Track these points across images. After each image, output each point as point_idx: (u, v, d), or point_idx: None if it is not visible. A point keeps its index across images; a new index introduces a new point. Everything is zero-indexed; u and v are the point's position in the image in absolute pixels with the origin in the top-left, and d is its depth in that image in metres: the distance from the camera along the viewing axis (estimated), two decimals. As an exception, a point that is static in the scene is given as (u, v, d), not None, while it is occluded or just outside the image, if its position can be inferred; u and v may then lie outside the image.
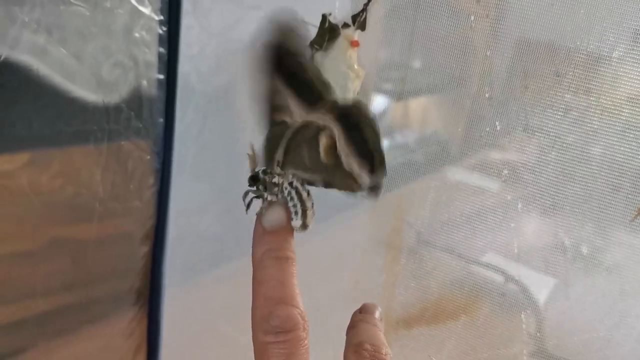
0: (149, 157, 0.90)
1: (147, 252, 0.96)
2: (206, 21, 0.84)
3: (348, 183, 0.46)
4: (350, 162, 0.45)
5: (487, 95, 0.65)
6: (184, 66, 0.88)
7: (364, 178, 0.46)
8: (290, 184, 0.47)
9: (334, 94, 0.45)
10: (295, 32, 0.45)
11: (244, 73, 0.84)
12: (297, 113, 0.45)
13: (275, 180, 0.47)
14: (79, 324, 0.91)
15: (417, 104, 0.72)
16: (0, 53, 0.66)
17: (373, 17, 0.67)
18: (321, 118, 0.44)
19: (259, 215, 0.48)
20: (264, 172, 0.47)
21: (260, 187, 0.48)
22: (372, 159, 0.46)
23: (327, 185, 0.47)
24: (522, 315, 0.71)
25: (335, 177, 0.47)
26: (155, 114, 0.89)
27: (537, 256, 0.68)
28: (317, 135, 0.45)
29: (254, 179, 0.47)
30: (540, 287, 0.71)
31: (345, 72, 0.63)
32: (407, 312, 0.73)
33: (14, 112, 0.70)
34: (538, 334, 0.71)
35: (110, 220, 0.88)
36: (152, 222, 0.95)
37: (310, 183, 0.48)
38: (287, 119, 0.45)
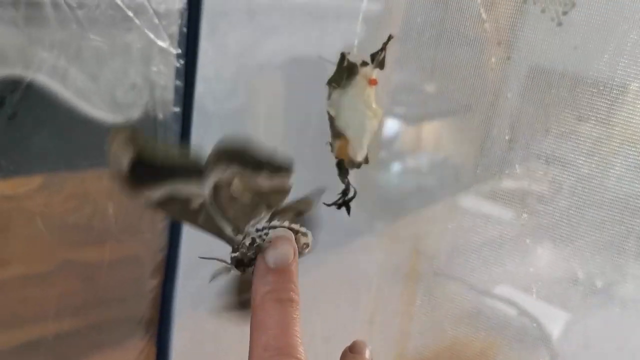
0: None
1: (156, 285, 0.96)
2: (223, 44, 0.84)
3: (277, 197, 0.46)
4: (260, 182, 0.45)
5: (507, 137, 0.65)
6: (198, 88, 0.89)
7: (280, 181, 0.46)
8: (260, 230, 0.47)
9: (192, 155, 0.45)
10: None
11: (259, 96, 0.85)
12: (196, 191, 0.44)
13: (248, 240, 0.46)
14: (87, 349, 0.91)
15: (430, 129, 0.72)
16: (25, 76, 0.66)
17: (391, 56, 0.67)
18: (213, 176, 0.44)
19: (263, 252, 0.46)
20: (235, 249, 0.46)
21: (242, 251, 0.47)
22: (268, 165, 0.46)
23: (272, 209, 0.47)
24: (536, 350, 0.71)
25: (269, 199, 0.46)
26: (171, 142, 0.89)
27: (550, 289, 0.68)
28: (226, 190, 0.45)
29: (237, 261, 0.46)
30: (554, 320, 0.70)
31: (363, 111, 0.62)
32: (421, 356, 0.72)
33: (31, 136, 0.71)
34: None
35: (121, 246, 0.88)
36: (164, 254, 0.95)
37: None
38: (197, 201, 0.45)
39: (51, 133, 0.73)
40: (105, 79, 0.76)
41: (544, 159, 0.63)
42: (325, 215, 0.78)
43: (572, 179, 0.63)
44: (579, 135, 0.61)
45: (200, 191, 0.43)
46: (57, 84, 0.71)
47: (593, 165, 0.61)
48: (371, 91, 0.64)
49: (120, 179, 0.40)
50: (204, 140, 0.91)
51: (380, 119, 0.65)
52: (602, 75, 0.59)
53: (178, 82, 0.86)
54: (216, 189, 0.44)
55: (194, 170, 0.43)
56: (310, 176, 0.78)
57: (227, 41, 0.84)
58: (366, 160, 0.66)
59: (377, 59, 0.64)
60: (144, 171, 0.42)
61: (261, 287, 0.43)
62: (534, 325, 0.70)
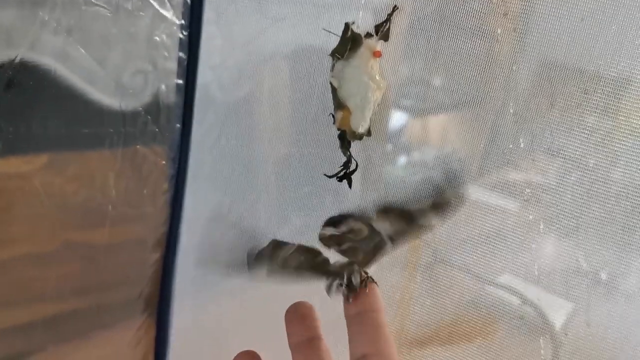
0: (164, 162, 0.89)
1: (158, 259, 0.96)
2: (229, 32, 0.83)
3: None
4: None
5: (511, 110, 0.64)
6: (205, 76, 0.88)
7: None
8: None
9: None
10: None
11: (265, 84, 0.85)
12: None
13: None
14: (87, 329, 0.91)
15: (436, 121, 0.72)
16: (16, 54, 0.66)
17: (396, 28, 0.66)
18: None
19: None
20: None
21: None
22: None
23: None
24: (539, 340, 0.71)
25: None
26: (173, 119, 0.89)
27: (555, 280, 0.67)
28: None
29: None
30: (558, 311, 0.70)
31: (367, 83, 0.62)
32: (421, 332, 0.72)
33: (32, 113, 0.70)
34: (553, 357, 0.70)
35: (123, 226, 0.88)
36: (165, 229, 0.95)
37: None
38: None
39: (55, 113, 0.73)
40: (108, 49, 0.76)
41: (550, 151, 0.63)
42: (329, 205, 0.78)
43: (578, 170, 0.62)
44: (586, 127, 0.61)
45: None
46: (57, 57, 0.71)
47: (600, 157, 0.61)
48: (375, 63, 0.63)
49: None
50: (205, 121, 0.91)
51: (384, 91, 0.64)
52: (609, 48, 0.59)
53: (182, 54, 0.86)
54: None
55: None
56: (316, 170, 0.78)
57: (233, 29, 0.83)
58: (368, 133, 0.66)
59: (382, 31, 0.64)
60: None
61: None
62: (537, 314, 0.70)
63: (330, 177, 0.69)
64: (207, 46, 0.86)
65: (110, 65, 0.77)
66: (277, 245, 0.59)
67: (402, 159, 0.75)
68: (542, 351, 0.70)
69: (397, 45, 0.67)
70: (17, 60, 0.66)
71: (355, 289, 0.52)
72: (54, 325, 0.84)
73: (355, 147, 0.68)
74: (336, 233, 0.57)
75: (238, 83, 0.86)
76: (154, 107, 0.85)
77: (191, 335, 1.01)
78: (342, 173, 0.70)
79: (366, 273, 0.55)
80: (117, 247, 0.89)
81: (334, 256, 0.58)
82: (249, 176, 0.87)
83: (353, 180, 0.70)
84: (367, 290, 0.52)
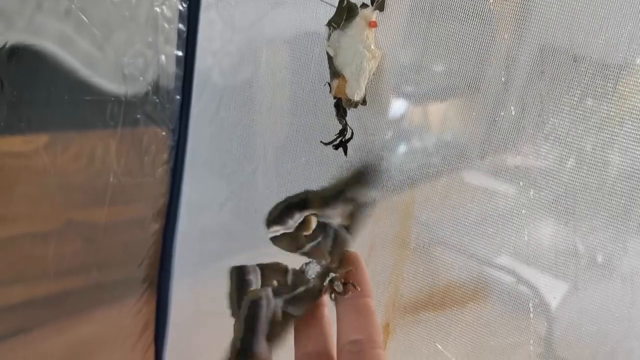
0: (164, 133, 0.90)
1: (158, 230, 0.97)
2: (230, 16, 0.83)
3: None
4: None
5: (502, 79, 0.65)
6: (206, 61, 0.88)
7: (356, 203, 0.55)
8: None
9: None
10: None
11: (266, 70, 0.85)
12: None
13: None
14: (89, 305, 0.92)
15: (436, 108, 0.72)
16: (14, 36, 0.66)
17: (396, 10, 0.67)
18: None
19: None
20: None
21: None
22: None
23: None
24: (532, 316, 0.71)
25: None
26: (172, 90, 0.90)
27: (550, 261, 0.68)
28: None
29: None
30: (552, 291, 0.70)
31: (362, 52, 0.63)
32: (414, 297, 0.73)
33: (33, 92, 0.70)
34: (547, 336, 0.71)
35: (124, 199, 0.88)
36: (165, 200, 0.96)
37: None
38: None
39: (56, 88, 0.73)
40: (107, 20, 0.76)
41: (550, 135, 0.63)
42: (326, 175, 0.79)
43: (576, 154, 0.63)
44: (585, 111, 0.61)
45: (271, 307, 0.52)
46: (55, 33, 0.71)
47: (597, 141, 0.61)
48: (370, 33, 0.64)
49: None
50: (206, 96, 0.91)
51: (379, 61, 0.65)
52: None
53: (181, 26, 0.87)
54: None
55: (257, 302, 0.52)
56: (313, 141, 0.79)
57: (234, 13, 0.83)
58: (364, 101, 0.66)
59: (377, 1, 0.64)
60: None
61: None
62: (532, 293, 0.71)
63: (326, 144, 0.70)
64: (208, 32, 0.86)
65: (110, 38, 0.77)
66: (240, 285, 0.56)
67: (402, 146, 0.75)
68: (532, 329, 0.70)
69: (397, 31, 0.68)
70: (14, 42, 0.66)
71: (342, 294, 0.52)
72: (56, 302, 0.85)
73: (350, 116, 0.68)
74: (287, 231, 0.56)
75: (239, 68, 0.86)
76: (154, 77, 0.86)
77: (191, 305, 1.02)
78: (338, 141, 0.70)
79: (346, 280, 0.53)
80: (118, 224, 0.90)
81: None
82: (247, 147, 0.87)
83: (348, 149, 0.70)
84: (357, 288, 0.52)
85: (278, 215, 0.56)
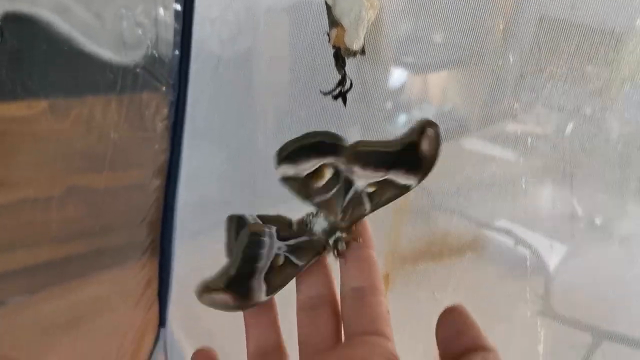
0: (164, 88, 0.90)
1: (159, 186, 0.97)
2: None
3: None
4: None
5: (511, 63, 0.65)
6: (204, 31, 0.88)
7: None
8: None
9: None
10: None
11: (264, 39, 0.84)
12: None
13: None
14: (92, 268, 0.93)
15: (436, 78, 0.72)
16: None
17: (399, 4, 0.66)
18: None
19: None
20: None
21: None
22: None
23: None
24: (530, 276, 0.72)
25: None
26: (171, 45, 0.89)
27: (550, 224, 0.69)
28: None
29: None
30: (551, 252, 0.71)
31: (360, 1, 0.62)
32: (413, 247, 0.73)
33: (32, 59, 0.70)
34: (545, 295, 0.71)
35: (125, 160, 0.89)
36: (165, 157, 0.96)
37: None
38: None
39: (57, 58, 0.73)
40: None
41: (549, 102, 0.63)
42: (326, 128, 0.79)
43: (576, 119, 0.63)
44: (584, 76, 0.61)
45: (274, 249, 0.50)
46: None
47: (596, 106, 0.61)
48: None
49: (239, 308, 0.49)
50: (205, 53, 0.90)
51: (377, 10, 0.64)
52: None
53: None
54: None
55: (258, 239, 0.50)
56: (311, 95, 0.79)
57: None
58: (362, 51, 0.66)
59: None
60: (238, 288, 0.49)
61: None
62: (531, 254, 0.71)
63: (325, 94, 0.70)
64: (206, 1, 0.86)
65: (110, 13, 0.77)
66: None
67: (402, 117, 0.75)
68: (533, 287, 0.71)
69: (398, 2, 0.67)
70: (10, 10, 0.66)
71: (343, 254, 0.50)
72: (58, 267, 0.86)
73: (349, 67, 0.68)
74: (298, 175, 0.52)
75: (237, 38, 0.86)
76: (152, 31, 0.85)
77: (193, 260, 1.03)
78: (337, 91, 0.70)
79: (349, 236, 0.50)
80: (119, 187, 0.90)
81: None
82: (247, 103, 0.87)
83: (348, 100, 0.70)
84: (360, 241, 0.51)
85: (292, 152, 0.52)
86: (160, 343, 1.13)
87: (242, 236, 0.50)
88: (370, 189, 0.49)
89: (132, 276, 1.00)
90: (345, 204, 0.50)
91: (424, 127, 0.48)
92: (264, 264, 0.49)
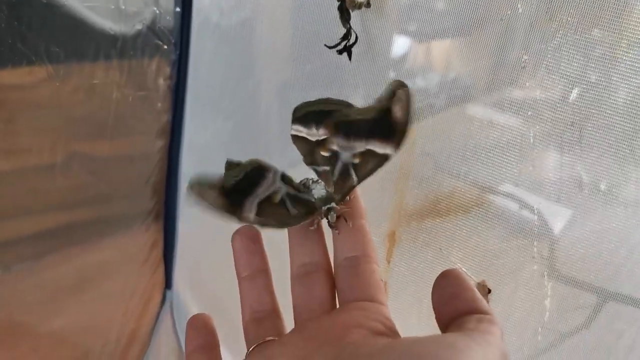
0: (166, 47, 0.89)
1: (162, 147, 0.97)
2: None
3: None
4: None
5: (517, 51, 0.64)
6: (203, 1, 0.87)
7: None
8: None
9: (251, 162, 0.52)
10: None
11: (265, 8, 0.84)
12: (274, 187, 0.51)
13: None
14: (97, 235, 0.93)
15: (440, 47, 0.71)
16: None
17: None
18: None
19: None
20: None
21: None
22: None
23: None
24: (535, 239, 0.72)
25: None
26: (173, 2, 0.89)
27: (554, 189, 0.68)
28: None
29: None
30: (556, 216, 0.71)
31: None
32: (419, 205, 0.73)
33: (36, 28, 0.70)
34: (551, 257, 0.72)
35: (128, 123, 0.88)
36: (168, 117, 0.96)
37: None
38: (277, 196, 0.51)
39: (56, 25, 0.73)
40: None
41: (554, 67, 0.63)
42: (329, 82, 0.78)
43: (581, 85, 0.62)
44: (589, 41, 0.60)
45: (276, 186, 0.51)
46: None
47: (601, 72, 0.61)
48: None
49: (222, 213, 0.48)
50: (206, 10, 0.90)
51: None
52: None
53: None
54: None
55: (262, 171, 0.51)
56: (315, 49, 0.78)
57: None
58: (368, 3, 0.65)
59: None
60: (231, 197, 0.49)
61: None
62: (536, 218, 0.71)
63: (330, 48, 0.69)
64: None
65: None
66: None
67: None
68: (539, 250, 0.71)
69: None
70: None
71: (332, 226, 0.51)
72: (63, 233, 0.86)
73: (354, 21, 0.68)
74: (307, 136, 0.52)
75: (238, 7, 0.85)
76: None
77: (198, 222, 1.03)
78: (342, 45, 0.69)
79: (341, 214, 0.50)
80: (122, 153, 0.90)
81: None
82: (250, 59, 0.87)
83: (353, 54, 0.70)
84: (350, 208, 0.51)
85: (304, 115, 0.52)
86: (167, 304, 1.14)
87: (247, 163, 0.51)
88: (356, 160, 0.49)
89: (137, 239, 1.01)
90: (336, 176, 0.50)
91: (394, 90, 0.47)
92: (262, 192, 0.50)
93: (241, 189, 0.50)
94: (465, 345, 0.36)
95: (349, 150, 0.49)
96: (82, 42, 0.76)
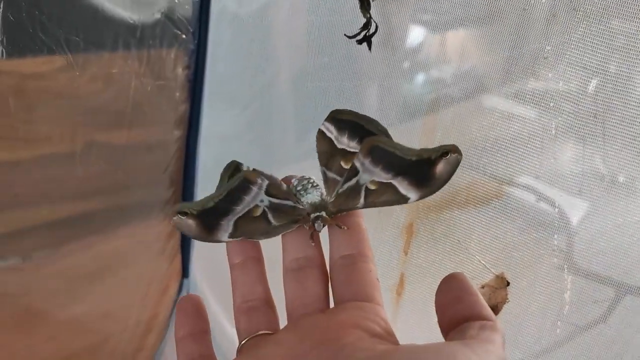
0: (184, 36, 0.89)
1: (180, 137, 0.98)
2: None
3: None
4: None
5: (536, 42, 0.64)
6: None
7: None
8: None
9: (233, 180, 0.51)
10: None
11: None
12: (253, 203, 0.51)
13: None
14: (115, 223, 0.94)
15: (456, 37, 0.71)
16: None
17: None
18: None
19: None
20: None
21: None
22: None
23: None
24: (554, 232, 0.72)
25: None
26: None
27: (572, 182, 0.68)
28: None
29: None
30: (574, 209, 0.71)
31: None
32: (438, 196, 0.73)
33: (53, 17, 0.70)
34: (568, 250, 0.71)
35: (146, 112, 0.89)
36: (186, 107, 0.96)
37: None
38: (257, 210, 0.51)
39: (76, 13, 0.73)
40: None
41: (573, 58, 0.62)
42: (347, 73, 0.78)
43: (600, 77, 0.62)
44: (610, 33, 0.60)
45: (250, 201, 0.50)
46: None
47: (622, 63, 0.60)
48: None
49: (199, 237, 0.51)
50: (224, 39, 0.90)
51: None
52: None
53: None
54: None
55: (248, 185, 0.50)
56: (334, 41, 0.78)
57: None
58: None
59: None
60: (206, 222, 0.50)
61: None
62: (553, 210, 0.71)
63: (350, 37, 0.69)
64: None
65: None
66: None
67: (420, 77, 0.74)
68: (557, 242, 0.71)
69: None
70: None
71: (316, 235, 0.51)
72: (81, 222, 0.87)
73: (374, 10, 0.67)
74: (334, 140, 0.51)
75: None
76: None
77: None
78: (362, 35, 0.69)
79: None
80: (140, 143, 0.90)
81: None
82: (268, 49, 0.87)
83: (373, 44, 0.69)
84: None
85: (341, 120, 0.52)
86: (184, 293, 1.15)
87: (235, 179, 0.50)
88: (372, 187, 0.49)
89: (154, 228, 1.01)
90: (342, 189, 0.50)
91: (449, 151, 0.46)
92: (241, 209, 0.50)
93: (220, 209, 0.50)
94: (465, 356, 0.36)
95: (371, 174, 0.48)
96: (101, 31, 0.76)
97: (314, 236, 0.50)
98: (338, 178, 0.51)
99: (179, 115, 0.95)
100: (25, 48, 0.69)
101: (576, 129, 0.64)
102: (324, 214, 0.49)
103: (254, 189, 0.50)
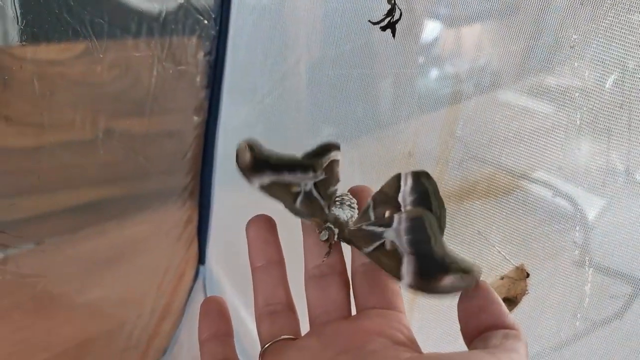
0: (206, 22, 0.89)
1: (199, 123, 0.98)
2: None
3: None
4: None
5: (552, 38, 0.63)
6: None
7: None
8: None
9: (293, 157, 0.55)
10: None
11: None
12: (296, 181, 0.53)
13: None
14: (132, 210, 0.94)
15: (471, 32, 0.70)
16: None
17: None
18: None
19: None
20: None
21: None
22: None
23: None
24: (570, 227, 0.72)
25: None
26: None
27: (588, 178, 0.68)
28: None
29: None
30: (590, 205, 0.70)
31: None
32: (458, 186, 0.73)
33: (71, 5, 0.70)
34: (585, 244, 0.71)
35: (166, 98, 0.89)
36: (206, 93, 0.97)
37: None
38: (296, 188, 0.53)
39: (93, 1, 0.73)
40: None
41: (591, 54, 0.62)
42: (368, 62, 0.78)
43: (618, 72, 0.61)
44: (629, 27, 0.60)
45: (299, 180, 0.53)
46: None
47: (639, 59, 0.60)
48: None
49: (242, 169, 0.53)
50: (246, 25, 0.90)
51: None
52: None
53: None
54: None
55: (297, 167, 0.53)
56: (357, 29, 0.78)
57: None
58: None
59: None
60: (258, 165, 0.52)
61: None
62: (570, 206, 0.71)
63: (374, 24, 0.69)
64: None
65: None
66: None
67: (434, 71, 0.74)
68: (573, 237, 0.71)
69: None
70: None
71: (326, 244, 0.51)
72: (99, 208, 0.87)
73: None
74: (401, 191, 0.52)
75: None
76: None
77: (232, 199, 1.04)
78: (386, 22, 0.68)
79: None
80: (160, 133, 0.91)
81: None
82: (290, 36, 0.86)
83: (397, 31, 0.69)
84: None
85: (419, 183, 0.52)
86: (200, 280, 1.15)
87: (318, 155, 0.54)
88: (387, 246, 0.48)
89: (172, 215, 1.02)
90: (367, 228, 0.50)
91: (476, 271, 0.43)
92: (287, 179, 0.53)
93: (274, 168, 0.53)
94: None
95: (396, 237, 0.48)
96: (125, 15, 0.76)
97: (335, 244, 0.51)
98: (372, 217, 0.51)
99: (199, 102, 0.95)
100: (52, 29, 0.69)
101: (590, 124, 0.64)
102: (336, 231, 0.50)
103: (311, 175, 0.53)
